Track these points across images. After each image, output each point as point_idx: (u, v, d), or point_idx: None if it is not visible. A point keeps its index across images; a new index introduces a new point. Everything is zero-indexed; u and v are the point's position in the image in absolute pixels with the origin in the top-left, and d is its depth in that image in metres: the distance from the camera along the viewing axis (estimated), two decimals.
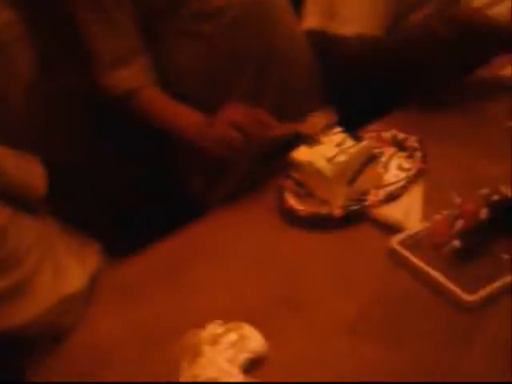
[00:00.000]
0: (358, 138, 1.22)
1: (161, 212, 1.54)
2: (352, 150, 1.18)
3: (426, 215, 1.12)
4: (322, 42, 1.50)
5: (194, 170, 1.53)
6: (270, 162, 1.39)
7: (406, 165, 1.25)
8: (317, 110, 1.29)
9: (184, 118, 1.37)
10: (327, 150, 1.19)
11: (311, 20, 1.52)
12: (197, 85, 1.44)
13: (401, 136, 1.31)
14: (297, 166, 1.24)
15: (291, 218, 1.21)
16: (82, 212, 1.32)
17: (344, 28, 1.46)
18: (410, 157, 1.26)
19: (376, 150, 1.24)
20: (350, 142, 1.21)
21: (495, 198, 1.07)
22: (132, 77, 1.38)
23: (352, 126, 1.28)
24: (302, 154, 1.22)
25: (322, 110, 1.28)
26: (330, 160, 1.17)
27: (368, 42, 1.46)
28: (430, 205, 1.15)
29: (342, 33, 1.46)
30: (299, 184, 1.26)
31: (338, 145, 1.20)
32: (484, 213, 1.05)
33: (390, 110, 1.47)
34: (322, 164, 1.17)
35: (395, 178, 1.21)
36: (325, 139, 1.23)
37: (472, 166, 1.22)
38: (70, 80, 1.42)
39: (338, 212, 1.16)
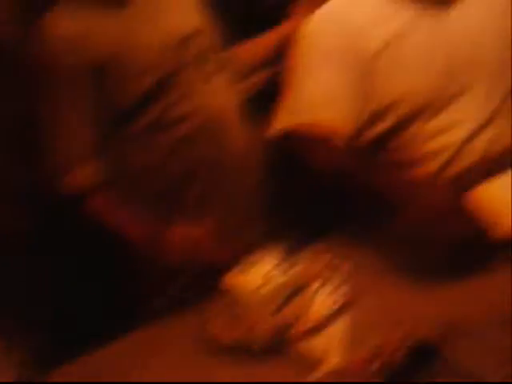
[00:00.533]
0: (292, 262, 1.24)
1: (100, 315, 1.54)
2: (281, 280, 1.20)
3: (348, 351, 1.12)
4: (289, 146, 1.49)
5: (139, 273, 1.55)
6: (205, 281, 1.40)
7: (335, 295, 1.25)
8: (264, 246, 1.29)
9: (134, 229, 1.44)
10: (257, 276, 1.20)
11: (284, 121, 1.46)
12: (149, 184, 1.50)
13: (334, 263, 1.32)
14: (227, 289, 1.25)
15: (215, 344, 1.20)
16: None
17: (314, 114, 1.42)
18: (340, 286, 1.27)
19: (307, 277, 1.26)
20: (282, 268, 1.22)
21: (413, 341, 1.08)
22: (85, 180, 1.42)
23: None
24: (232, 278, 1.23)
25: (268, 249, 1.27)
26: (257, 289, 1.18)
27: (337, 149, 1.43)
28: (351, 340, 1.15)
29: (312, 118, 1.42)
30: (228, 307, 1.27)
31: (270, 271, 1.21)
32: (400, 356, 1.06)
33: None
34: (248, 293, 1.18)
35: (321, 310, 1.22)
36: (258, 262, 1.24)
37: (402, 301, 1.23)
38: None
39: (259, 342, 1.16)
